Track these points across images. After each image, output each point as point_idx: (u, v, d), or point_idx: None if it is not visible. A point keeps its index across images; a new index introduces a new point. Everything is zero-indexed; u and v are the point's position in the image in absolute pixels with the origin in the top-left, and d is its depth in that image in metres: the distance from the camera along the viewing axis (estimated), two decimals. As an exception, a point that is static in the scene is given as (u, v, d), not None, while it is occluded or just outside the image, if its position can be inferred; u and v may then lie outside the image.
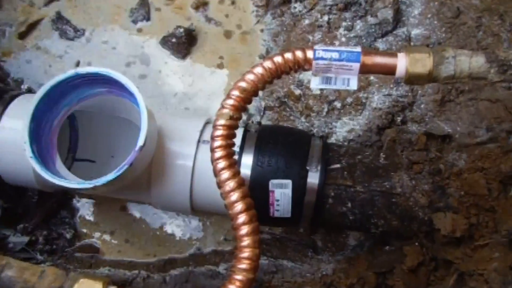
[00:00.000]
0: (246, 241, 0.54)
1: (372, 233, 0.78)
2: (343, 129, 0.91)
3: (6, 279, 0.57)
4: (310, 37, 0.94)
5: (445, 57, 0.59)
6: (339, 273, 0.82)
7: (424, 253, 0.78)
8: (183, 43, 0.97)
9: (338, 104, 0.91)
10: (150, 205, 0.92)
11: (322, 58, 0.61)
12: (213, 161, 0.58)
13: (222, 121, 0.59)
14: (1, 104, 0.78)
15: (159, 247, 0.92)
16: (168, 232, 0.93)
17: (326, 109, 0.91)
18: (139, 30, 1.00)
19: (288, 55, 0.61)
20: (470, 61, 0.59)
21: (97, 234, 0.93)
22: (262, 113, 0.94)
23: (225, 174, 0.57)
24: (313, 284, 0.82)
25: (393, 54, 0.62)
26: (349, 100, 0.91)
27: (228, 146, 0.58)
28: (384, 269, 0.80)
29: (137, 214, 0.94)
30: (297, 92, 0.92)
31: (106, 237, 0.93)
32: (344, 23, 0.93)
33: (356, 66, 0.62)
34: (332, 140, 0.90)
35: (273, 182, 0.72)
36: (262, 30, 0.99)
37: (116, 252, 0.92)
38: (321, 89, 0.91)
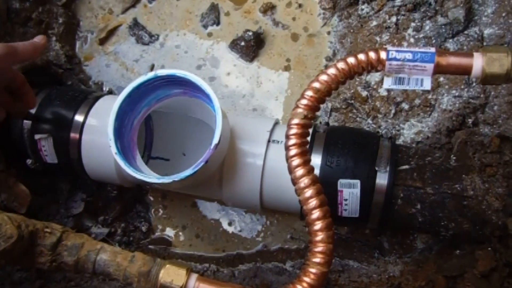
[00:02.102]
0: (320, 236, 0.56)
1: (442, 236, 0.76)
2: (411, 131, 0.90)
3: (101, 262, 0.63)
4: (378, 39, 0.94)
5: (525, 56, 0.58)
6: (407, 275, 0.82)
7: (497, 259, 0.75)
8: (251, 46, 1.00)
9: (405, 106, 0.90)
10: (221, 202, 0.96)
11: (395, 59, 0.62)
12: (288, 158, 0.60)
13: (296, 120, 0.61)
14: (86, 104, 0.83)
15: (227, 243, 0.95)
16: (236, 229, 0.96)
17: (393, 111, 0.91)
18: (209, 34, 1.05)
19: (361, 56, 0.62)
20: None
21: (169, 229, 0.98)
22: (328, 115, 0.95)
23: (300, 171, 0.58)
24: (380, 285, 0.82)
25: (469, 54, 0.62)
26: (417, 101, 0.90)
27: (302, 144, 0.60)
28: (454, 273, 0.78)
29: (207, 211, 0.98)
30: (364, 93, 0.92)
31: (178, 231, 0.97)
32: (412, 24, 0.92)
33: (430, 66, 0.62)
34: (399, 142, 0.90)
35: (341, 181, 0.73)
36: (328, 33, 1.00)
37: (188, 246, 0.96)
38: (389, 91, 0.91)
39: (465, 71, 0.62)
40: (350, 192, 0.73)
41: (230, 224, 0.96)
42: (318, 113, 0.94)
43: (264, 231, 0.95)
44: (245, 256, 0.93)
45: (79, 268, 0.65)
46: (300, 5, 1.02)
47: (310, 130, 0.64)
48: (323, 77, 0.62)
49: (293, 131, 0.61)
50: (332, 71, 0.62)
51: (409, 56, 0.62)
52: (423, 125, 0.89)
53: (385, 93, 0.91)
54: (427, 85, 0.63)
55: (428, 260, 0.82)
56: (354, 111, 0.93)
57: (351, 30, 0.97)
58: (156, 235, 0.97)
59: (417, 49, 0.62)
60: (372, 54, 0.62)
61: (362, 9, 0.96)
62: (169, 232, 0.97)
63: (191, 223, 0.97)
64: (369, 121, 0.91)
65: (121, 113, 0.75)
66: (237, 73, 1.02)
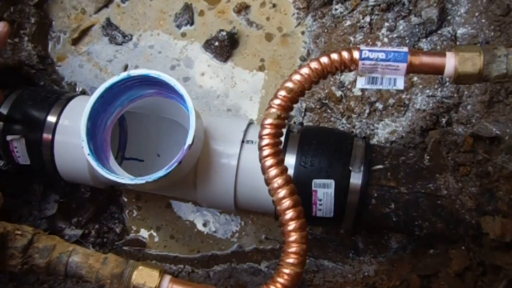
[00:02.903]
0: (293, 236, 0.56)
1: (416, 236, 0.77)
2: (385, 130, 0.90)
3: (73, 264, 0.62)
4: (352, 39, 0.95)
5: (496, 56, 0.58)
6: (382, 275, 0.82)
7: (471, 258, 0.76)
8: (225, 46, 1.00)
9: (380, 106, 0.91)
10: (195, 203, 0.95)
11: (368, 59, 0.62)
12: (261, 159, 0.59)
13: (269, 120, 0.60)
14: (58, 105, 0.82)
15: (202, 243, 0.94)
16: (211, 229, 0.95)
17: (367, 111, 0.91)
18: (183, 35, 1.04)
19: (334, 56, 0.62)
20: (523, 60, 0.58)
21: (144, 230, 0.97)
22: (303, 115, 0.95)
23: (273, 172, 0.58)
24: (355, 285, 0.82)
25: (441, 54, 0.62)
26: (391, 101, 0.90)
27: (276, 144, 0.60)
28: (428, 272, 0.79)
29: (181, 212, 0.97)
30: (338, 93, 0.93)
31: (153, 232, 0.96)
32: (386, 24, 0.93)
33: (403, 66, 0.62)
34: (373, 141, 0.90)
35: (316, 181, 0.73)
36: (303, 33, 1.01)
37: (162, 247, 0.95)
38: (363, 91, 0.91)
39: (438, 70, 0.62)
40: (324, 192, 0.72)
41: (205, 225, 0.96)
42: (292, 113, 0.94)
43: (239, 231, 0.95)
44: (220, 257, 0.93)
45: (51, 270, 0.63)
46: (274, 5, 1.02)
47: (284, 130, 0.64)
48: (296, 77, 0.62)
49: (267, 131, 0.60)
50: (305, 70, 0.62)
51: (382, 55, 0.62)
52: (397, 124, 0.89)
53: (359, 93, 0.91)
54: (400, 84, 0.63)
55: (402, 260, 0.83)
56: (329, 111, 0.93)
57: (325, 30, 0.97)
58: (131, 236, 0.96)
59: (390, 49, 0.62)
60: (345, 54, 0.62)
61: (336, 9, 0.96)
62: (144, 233, 0.96)
63: (166, 224, 0.96)
64: (344, 121, 0.92)
65: (94, 113, 0.74)
66: (211, 74, 1.01)
